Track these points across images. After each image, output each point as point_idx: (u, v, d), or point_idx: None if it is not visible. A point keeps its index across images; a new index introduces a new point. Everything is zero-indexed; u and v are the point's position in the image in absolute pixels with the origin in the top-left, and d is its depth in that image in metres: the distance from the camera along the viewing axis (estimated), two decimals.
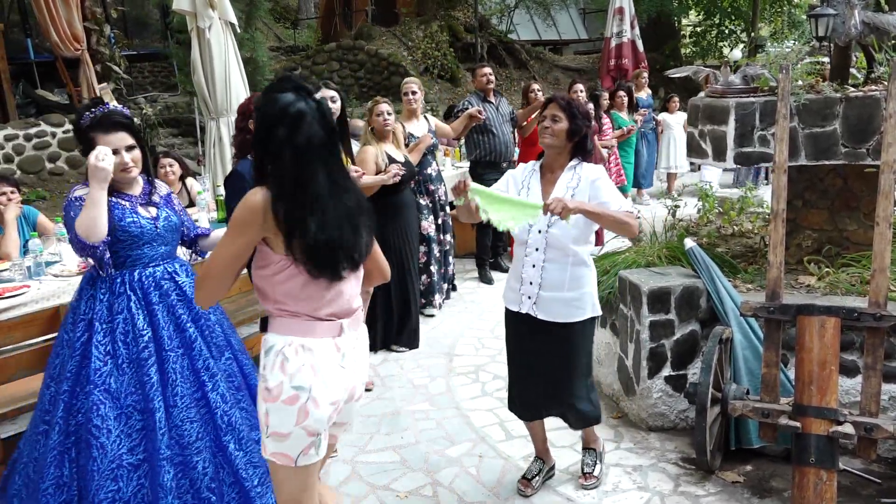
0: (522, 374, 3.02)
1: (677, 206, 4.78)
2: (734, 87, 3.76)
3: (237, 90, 6.81)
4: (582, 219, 2.72)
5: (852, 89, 3.63)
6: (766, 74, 3.74)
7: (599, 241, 9.31)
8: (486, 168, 6.03)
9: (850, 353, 3.39)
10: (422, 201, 5.30)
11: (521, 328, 2.95)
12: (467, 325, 5.29)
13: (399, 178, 4.49)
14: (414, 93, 5.36)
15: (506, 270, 6.27)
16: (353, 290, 2.12)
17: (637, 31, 13.46)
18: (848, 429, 2.79)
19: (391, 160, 4.63)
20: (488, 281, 6.32)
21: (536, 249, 2.81)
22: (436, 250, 5.39)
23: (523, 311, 2.88)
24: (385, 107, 4.68)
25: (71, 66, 9.75)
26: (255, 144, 1.97)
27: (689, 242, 3.63)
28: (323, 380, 1.99)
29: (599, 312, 2.92)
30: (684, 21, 20.84)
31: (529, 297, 2.86)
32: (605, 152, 7.37)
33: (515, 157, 6.42)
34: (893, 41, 3.76)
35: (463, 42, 15.42)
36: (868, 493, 3.09)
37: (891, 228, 2.93)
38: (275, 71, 14.51)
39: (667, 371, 3.59)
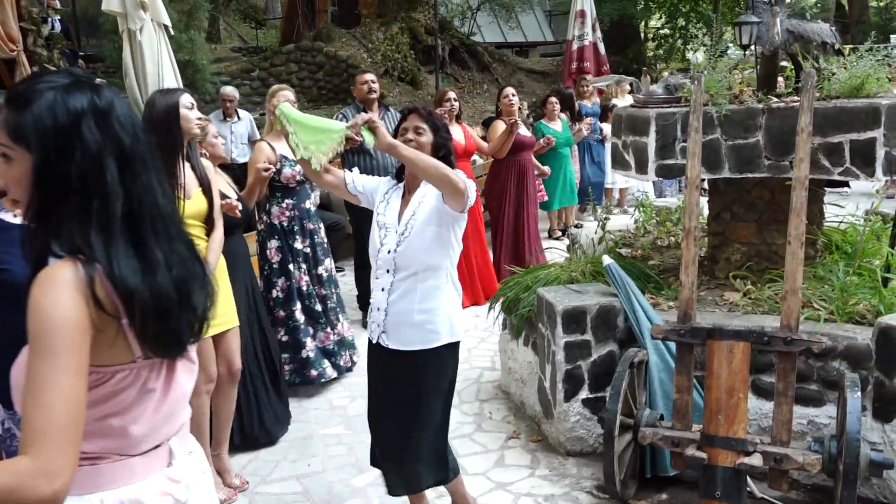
0: (374, 419, 2.71)
1: (607, 219, 4.64)
2: (656, 97, 3.63)
3: None
4: (436, 217, 2.48)
5: (775, 100, 3.52)
6: (689, 84, 3.61)
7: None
8: None
9: (770, 375, 3.26)
10: (297, 245, 4.24)
11: (373, 361, 2.68)
12: None
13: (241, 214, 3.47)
14: (293, 102, 4.12)
15: None
16: (188, 388, 1.41)
17: (599, 33, 13.38)
18: (756, 460, 2.65)
19: (223, 197, 3.47)
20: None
21: (387, 271, 2.55)
22: (317, 307, 4.30)
23: (374, 341, 2.63)
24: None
25: (12, 67, 9.42)
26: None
27: (607, 259, 3.49)
28: None
29: (458, 338, 2.61)
30: (650, 24, 20.90)
31: (378, 326, 2.58)
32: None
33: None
34: (817, 51, 3.65)
35: (424, 44, 15.26)
36: None
37: (803, 247, 2.81)
38: (231, 73, 14.25)
39: (584, 394, 3.44)
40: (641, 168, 3.64)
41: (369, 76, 5.29)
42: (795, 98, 3.51)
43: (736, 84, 3.73)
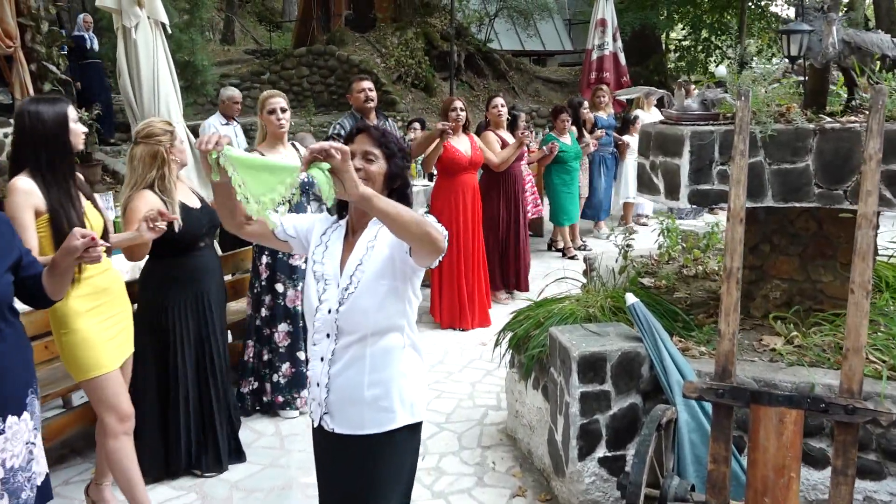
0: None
1: (629, 246, 4.20)
2: (690, 112, 3.19)
3: (167, 95, 6.25)
4: (390, 269, 1.95)
5: (828, 119, 3.07)
6: (729, 99, 3.17)
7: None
8: None
9: (820, 440, 2.81)
10: (293, 262, 3.91)
11: (318, 446, 2.15)
12: None
13: (165, 229, 2.91)
14: (283, 110, 3.86)
15: None
16: None
17: (619, 43, 12.98)
18: None
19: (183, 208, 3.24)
20: None
21: (327, 336, 2.00)
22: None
23: (315, 424, 2.09)
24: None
25: (11, 64, 9.10)
26: None
27: (631, 298, 3.05)
28: None
29: (419, 418, 2.07)
30: (672, 35, 20.41)
31: (319, 405, 2.04)
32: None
33: None
34: (878, 64, 3.20)
35: (439, 50, 14.88)
36: None
37: (869, 297, 2.36)
38: (241, 76, 13.92)
39: (601, 451, 2.99)
40: (672, 193, 3.21)
41: (366, 83, 4.91)
42: (853, 118, 3.07)
43: (781, 99, 3.29)
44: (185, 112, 7.49)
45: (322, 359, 2.02)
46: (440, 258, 1.90)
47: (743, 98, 2.58)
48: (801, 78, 3.62)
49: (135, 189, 3.12)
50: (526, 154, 6.89)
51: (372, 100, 4.83)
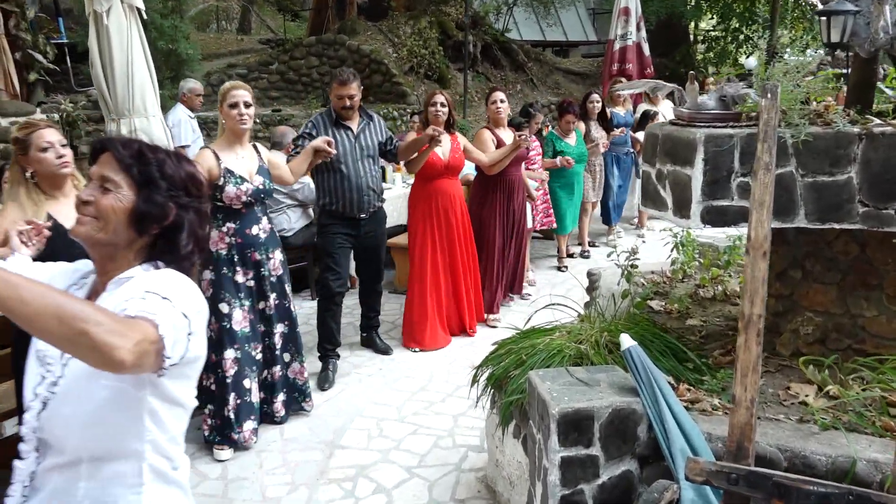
0: None
1: (634, 266, 3.62)
2: (705, 111, 2.61)
3: (142, 87, 5.80)
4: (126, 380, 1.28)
5: (877, 121, 2.48)
6: (753, 96, 2.59)
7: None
8: (334, 220, 4.34)
9: None
10: (238, 278, 3.49)
11: None
12: (371, 398, 4.15)
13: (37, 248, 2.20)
14: (247, 105, 3.48)
15: (383, 351, 4.79)
16: None
17: (643, 33, 12.30)
18: None
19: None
20: (324, 384, 4.29)
21: (36, 450, 1.38)
22: (255, 353, 3.58)
23: None
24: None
25: None
26: None
27: (627, 341, 2.48)
28: None
29: None
30: (701, 25, 19.59)
31: None
32: (532, 185, 5.94)
33: (378, 204, 4.52)
34: None
35: (454, 40, 14.27)
36: None
37: None
38: (248, 65, 13.47)
39: None
40: (682, 209, 2.64)
41: (346, 90, 4.26)
42: None
43: (818, 97, 2.71)
44: (170, 105, 7.04)
45: (24, 486, 1.37)
46: (164, 365, 1.24)
47: (769, 96, 2.01)
48: (843, 71, 3.03)
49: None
50: (539, 159, 6.25)
51: (351, 108, 4.28)
